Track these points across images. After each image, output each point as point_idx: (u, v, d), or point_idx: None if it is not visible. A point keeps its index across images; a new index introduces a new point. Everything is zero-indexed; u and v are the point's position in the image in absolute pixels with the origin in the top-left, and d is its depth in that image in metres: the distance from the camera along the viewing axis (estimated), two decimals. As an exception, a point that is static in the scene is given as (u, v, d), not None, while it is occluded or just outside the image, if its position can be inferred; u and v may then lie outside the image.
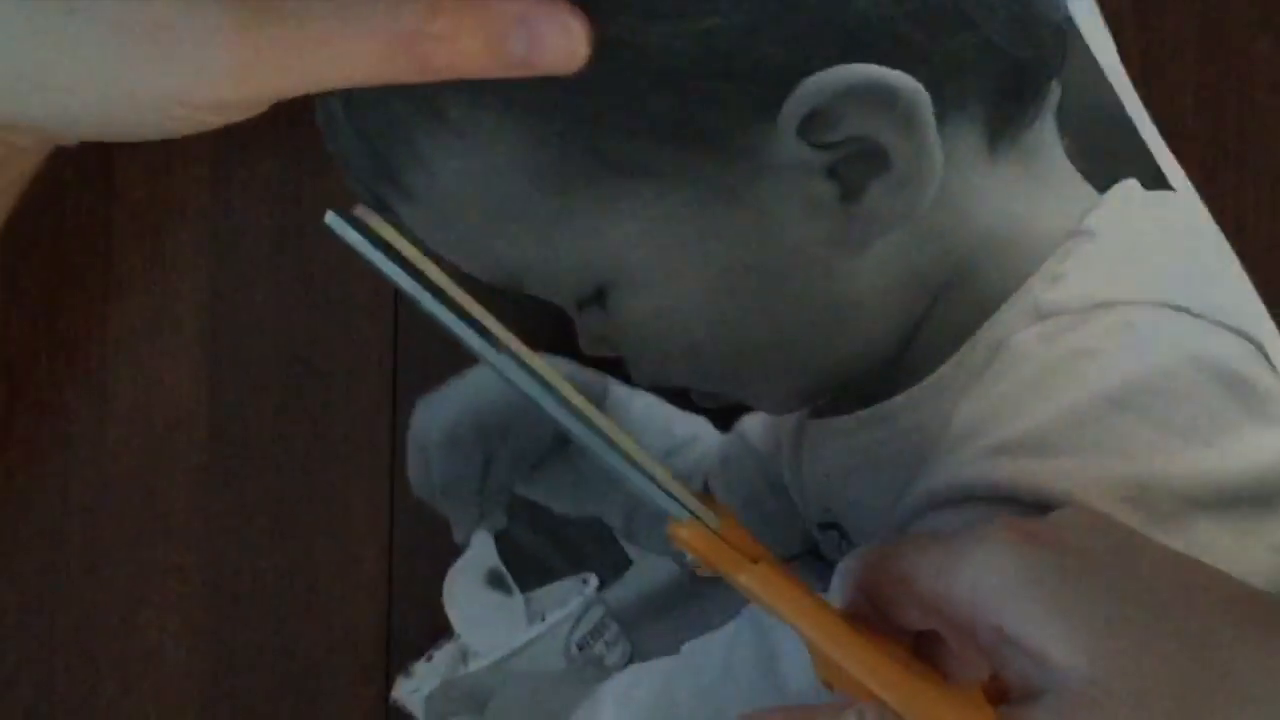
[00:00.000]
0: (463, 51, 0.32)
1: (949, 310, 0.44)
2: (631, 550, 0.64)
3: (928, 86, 0.39)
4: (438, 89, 0.39)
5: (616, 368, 0.48)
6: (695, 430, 0.64)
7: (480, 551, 0.62)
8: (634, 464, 0.37)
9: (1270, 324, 0.44)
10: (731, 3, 0.38)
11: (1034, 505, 0.38)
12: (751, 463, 0.60)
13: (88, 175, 0.68)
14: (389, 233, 0.37)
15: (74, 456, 0.68)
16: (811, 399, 0.48)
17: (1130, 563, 0.34)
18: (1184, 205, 0.48)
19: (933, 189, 0.40)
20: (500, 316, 0.36)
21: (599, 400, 0.61)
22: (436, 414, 0.61)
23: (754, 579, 0.36)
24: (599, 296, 0.43)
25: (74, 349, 0.68)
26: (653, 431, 0.63)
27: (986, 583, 0.33)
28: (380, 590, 0.69)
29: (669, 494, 0.37)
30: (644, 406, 0.63)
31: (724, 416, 0.61)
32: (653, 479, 0.37)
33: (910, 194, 0.40)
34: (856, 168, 0.40)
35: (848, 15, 0.39)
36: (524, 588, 0.63)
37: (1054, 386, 0.40)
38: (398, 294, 0.70)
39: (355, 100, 0.41)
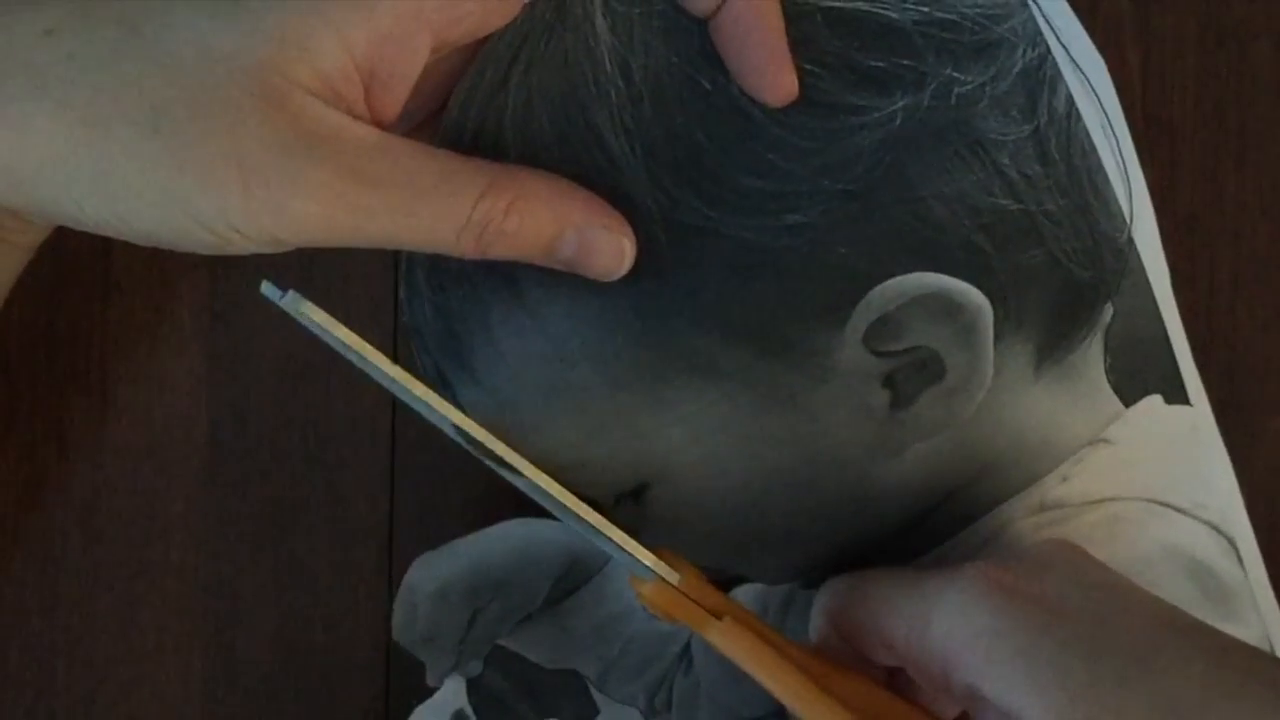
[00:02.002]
0: (520, 246, 0.34)
1: (961, 503, 0.45)
2: (599, 699, 0.65)
3: (990, 300, 0.40)
4: (520, 269, 0.40)
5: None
6: None
7: (449, 694, 0.64)
8: (591, 526, 0.37)
9: (1245, 520, 0.45)
10: (811, 201, 0.39)
11: None
12: None
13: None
14: (325, 319, 0.37)
15: (74, 456, 0.68)
16: (808, 574, 0.49)
17: (1106, 615, 0.34)
18: (1196, 419, 0.49)
19: (979, 400, 0.41)
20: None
21: (598, 569, 0.62)
22: (429, 571, 0.62)
23: (718, 633, 0.37)
24: (637, 492, 0.43)
25: (74, 349, 0.68)
26: None
27: (960, 636, 0.33)
28: (380, 590, 0.69)
29: (629, 554, 0.37)
30: None
31: (719, 587, 0.62)
32: (612, 540, 0.37)
33: (957, 404, 0.41)
34: (911, 377, 0.41)
35: (924, 224, 0.39)
36: None
37: None
38: (397, 295, 0.70)
39: (440, 277, 0.42)
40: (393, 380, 0.38)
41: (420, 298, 0.42)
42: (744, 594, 0.60)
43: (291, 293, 0.38)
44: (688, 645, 0.64)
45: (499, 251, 0.35)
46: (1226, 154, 0.65)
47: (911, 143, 0.39)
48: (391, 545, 0.69)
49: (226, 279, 0.68)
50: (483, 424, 0.38)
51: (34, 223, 0.38)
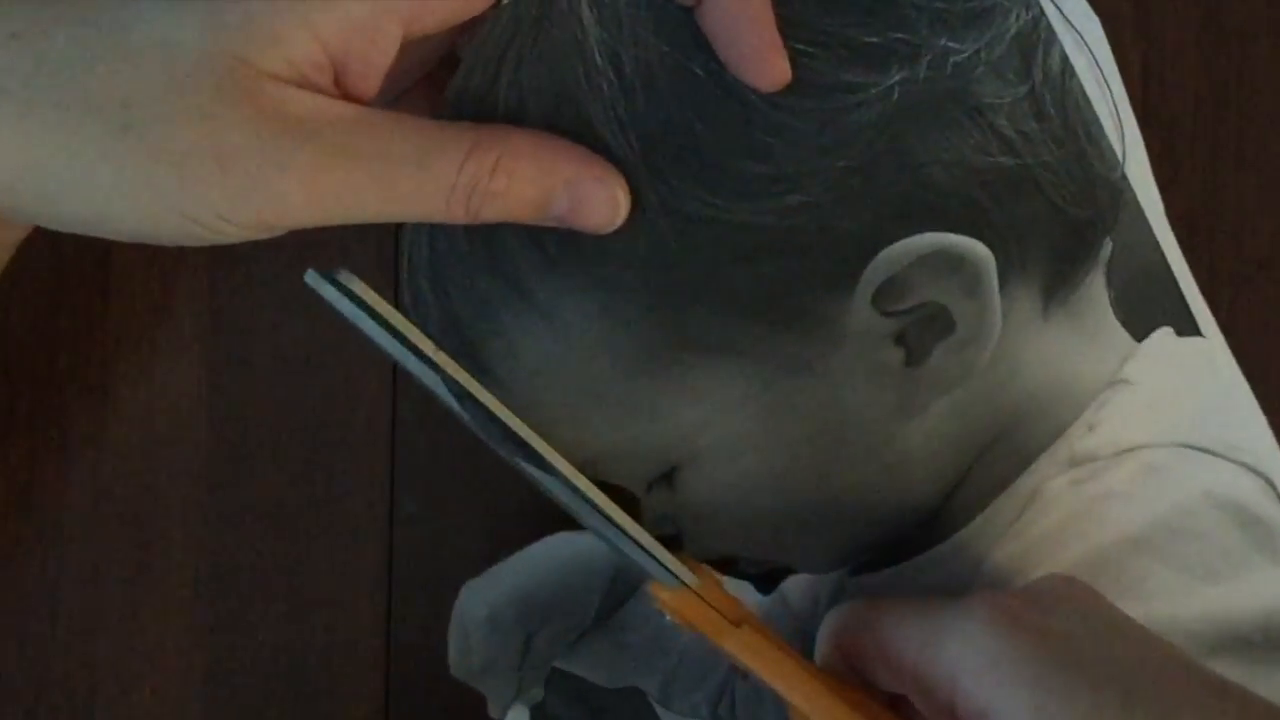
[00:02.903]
0: (510, 206, 0.33)
1: (992, 464, 0.45)
2: (664, 715, 0.65)
3: (992, 250, 0.40)
4: (525, 271, 0.40)
5: (665, 542, 0.49)
6: (739, 597, 0.65)
7: None
8: (617, 527, 0.37)
9: (1279, 457, 0.45)
10: (813, 180, 0.39)
11: None
12: (790, 624, 0.61)
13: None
14: (372, 297, 0.37)
15: (74, 456, 0.68)
16: (854, 557, 0.49)
17: (1111, 650, 0.34)
18: (1211, 351, 0.50)
19: (991, 348, 0.41)
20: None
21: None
22: (479, 597, 0.62)
23: (735, 642, 0.37)
24: (668, 476, 0.43)
25: (74, 349, 0.68)
26: None
27: (968, 664, 0.33)
28: (380, 590, 0.69)
29: (652, 556, 0.37)
30: None
31: (766, 581, 0.62)
32: (635, 541, 0.37)
33: (971, 354, 0.41)
34: (922, 333, 0.41)
35: (925, 189, 0.40)
36: None
37: (1080, 531, 0.41)
38: (398, 295, 0.70)
39: (443, 282, 0.42)
40: (439, 370, 0.37)
41: (426, 306, 0.42)
42: (794, 586, 0.59)
43: (344, 272, 0.38)
44: None
45: (491, 214, 0.34)
46: (1226, 154, 0.65)
47: (910, 115, 0.39)
48: (391, 545, 0.69)
49: (226, 279, 0.68)
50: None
51: (14, 221, 0.38)
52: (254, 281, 0.68)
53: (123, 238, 0.36)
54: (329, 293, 0.37)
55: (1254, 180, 0.66)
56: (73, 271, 0.68)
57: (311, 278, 0.37)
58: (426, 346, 0.38)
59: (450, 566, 0.69)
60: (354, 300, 0.37)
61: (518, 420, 0.38)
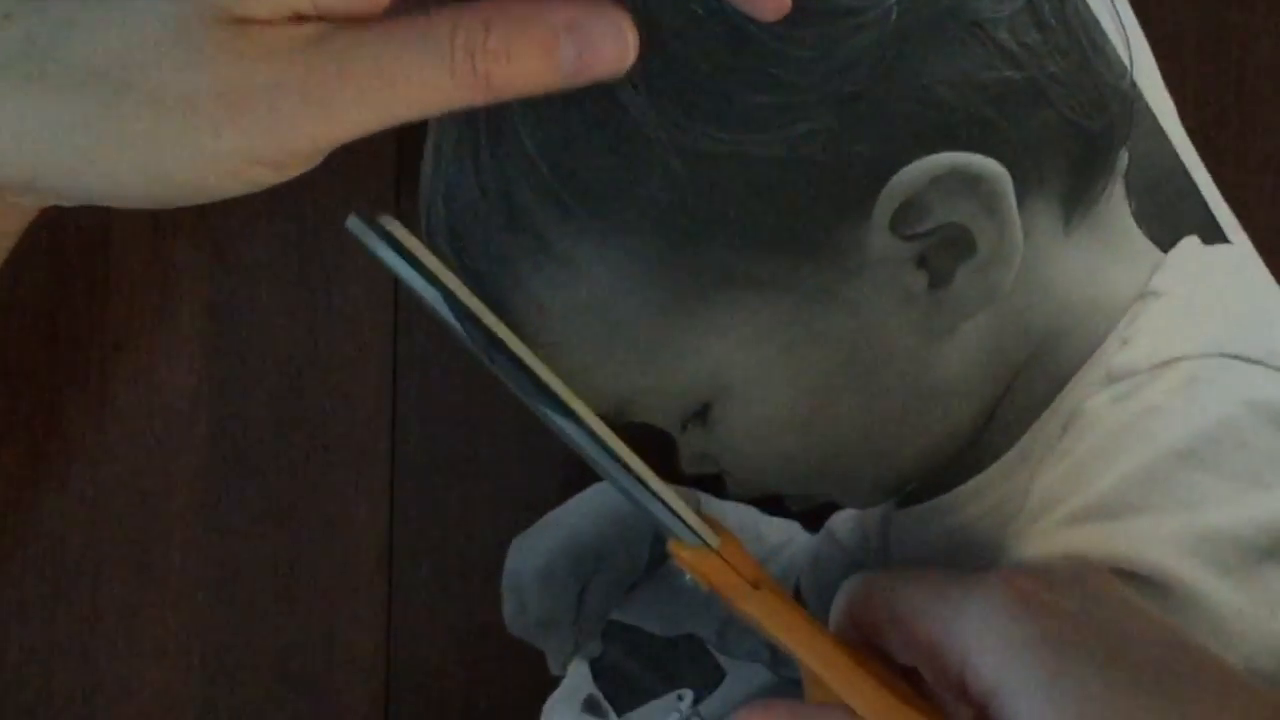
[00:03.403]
0: (520, 67, 0.33)
1: (1028, 385, 0.44)
2: (725, 662, 0.65)
3: (1007, 167, 0.40)
4: (543, 223, 0.40)
5: (709, 484, 0.48)
6: (787, 534, 0.65)
7: (577, 680, 0.63)
8: (641, 482, 0.37)
9: None
10: (822, 107, 0.39)
11: (1117, 571, 0.38)
12: (841, 560, 0.61)
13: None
14: (413, 242, 0.37)
15: (74, 456, 0.68)
16: (899, 489, 0.48)
17: (1125, 634, 0.34)
18: (1240, 257, 0.49)
19: (1016, 267, 0.41)
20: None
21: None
22: (530, 554, 0.62)
23: (754, 604, 0.37)
24: (701, 414, 0.43)
25: (74, 349, 0.68)
26: (747, 540, 0.64)
27: (981, 641, 0.33)
28: (380, 591, 0.69)
29: (675, 515, 0.37)
30: (736, 518, 0.63)
31: (814, 518, 0.62)
32: (659, 498, 0.37)
33: (995, 274, 0.41)
34: (944, 255, 0.41)
35: (933, 109, 0.39)
36: (620, 710, 0.64)
37: (1124, 448, 0.41)
38: (397, 295, 0.71)
39: (462, 240, 0.41)
40: (474, 320, 0.37)
41: (447, 263, 0.42)
42: (841, 522, 0.60)
43: (387, 216, 0.38)
44: (797, 588, 0.63)
45: (502, 81, 0.33)
46: (1226, 154, 0.65)
47: (910, 35, 0.39)
48: (391, 545, 0.69)
49: (226, 279, 0.68)
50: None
51: (30, 201, 0.38)
52: (254, 281, 0.68)
53: (141, 203, 0.36)
54: (371, 239, 0.37)
55: (1254, 180, 0.66)
56: (73, 272, 0.68)
57: (354, 224, 0.37)
58: (464, 294, 0.38)
59: (450, 566, 0.70)
60: (394, 246, 0.37)
61: (548, 371, 0.38)
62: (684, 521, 0.37)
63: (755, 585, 0.37)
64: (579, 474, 0.69)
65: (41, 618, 0.68)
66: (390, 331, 0.69)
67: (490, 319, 0.38)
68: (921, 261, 0.41)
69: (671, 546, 0.38)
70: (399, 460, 0.69)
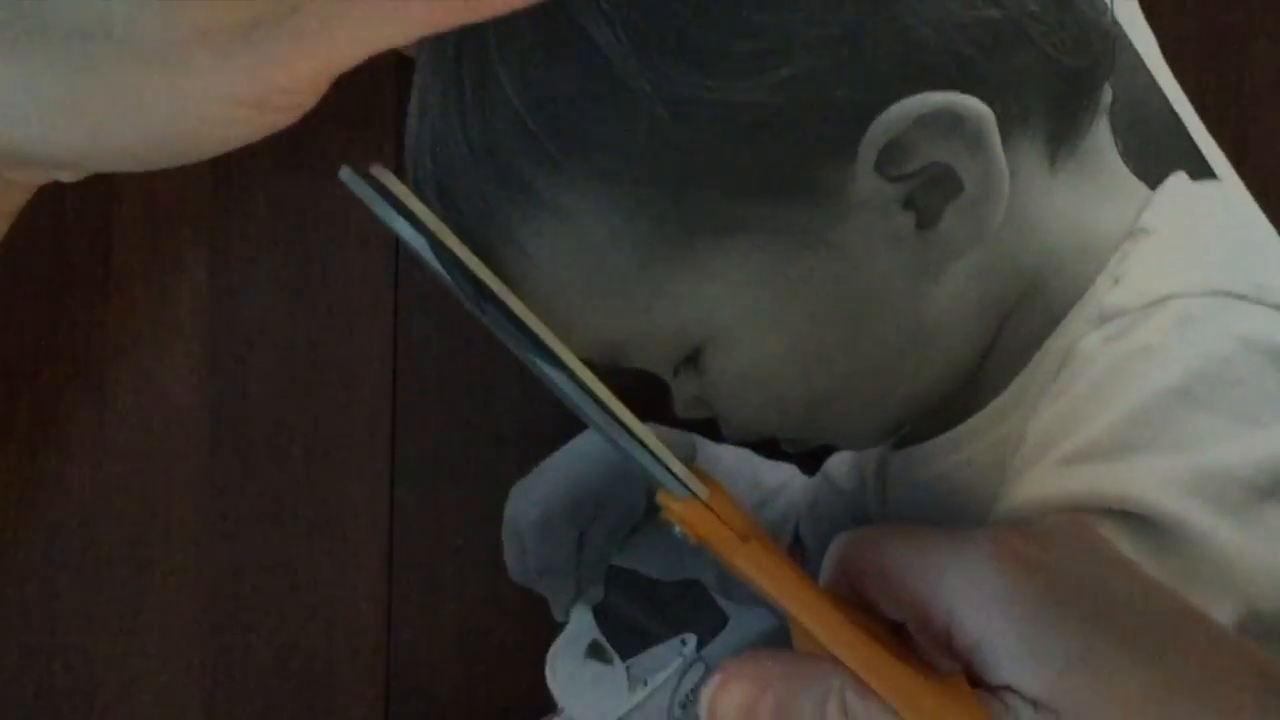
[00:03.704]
0: None
1: (1020, 326, 0.44)
2: (727, 606, 0.65)
3: (990, 106, 0.40)
4: (530, 174, 0.40)
5: (704, 428, 0.48)
6: (783, 478, 0.65)
7: (580, 626, 0.63)
8: (629, 432, 0.37)
9: None
10: (804, 51, 0.39)
11: (1115, 512, 0.38)
12: (839, 503, 0.61)
13: (88, 176, 0.68)
14: (403, 191, 0.37)
15: (74, 456, 0.68)
16: (894, 431, 0.48)
17: (1110, 592, 0.34)
18: (1229, 193, 0.49)
19: (1003, 206, 0.41)
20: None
21: (688, 460, 0.62)
22: (529, 499, 0.62)
23: (743, 557, 0.37)
24: (693, 359, 0.44)
25: (74, 349, 0.68)
26: (743, 485, 0.64)
27: (966, 597, 0.33)
28: (380, 590, 0.69)
29: (663, 465, 0.37)
30: (734, 460, 0.64)
31: (811, 461, 0.62)
32: (647, 448, 0.37)
33: (982, 213, 0.41)
34: (931, 195, 0.41)
35: (912, 47, 0.39)
36: (624, 655, 0.64)
37: (1119, 387, 0.40)
38: (397, 295, 0.71)
39: (450, 194, 0.41)
40: (465, 270, 0.37)
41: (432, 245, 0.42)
42: (838, 465, 0.61)
43: (378, 166, 0.37)
44: (796, 535, 0.64)
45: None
46: (1226, 154, 0.65)
47: None
48: (391, 545, 0.69)
49: (226, 279, 0.68)
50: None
51: (15, 180, 0.37)
52: (254, 282, 0.69)
53: (136, 162, 0.35)
54: (363, 190, 0.37)
55: (1254, 180, 0.66)
56: (73, 272, 0.68)
57: (346, 175, 0.37)
58: (454, 243, 0.38)
59: (450, 566, 0.70)
60: (386, 197, 0.37)
61: (536, 319, 0.38)
62: (671, 472, 0.37)
63: (745, 538, 0.37)
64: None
65: (41, 618, 0.68)
66: (390, 331, 0.69)
67: (479, 267, 0.38)
68: (908, 203, 0.41)
69: (660, 498, 0.38)
70: (399, 460, 0.69)
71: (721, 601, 0.65)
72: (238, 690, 0.69)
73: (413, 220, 0.37)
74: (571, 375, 0.37)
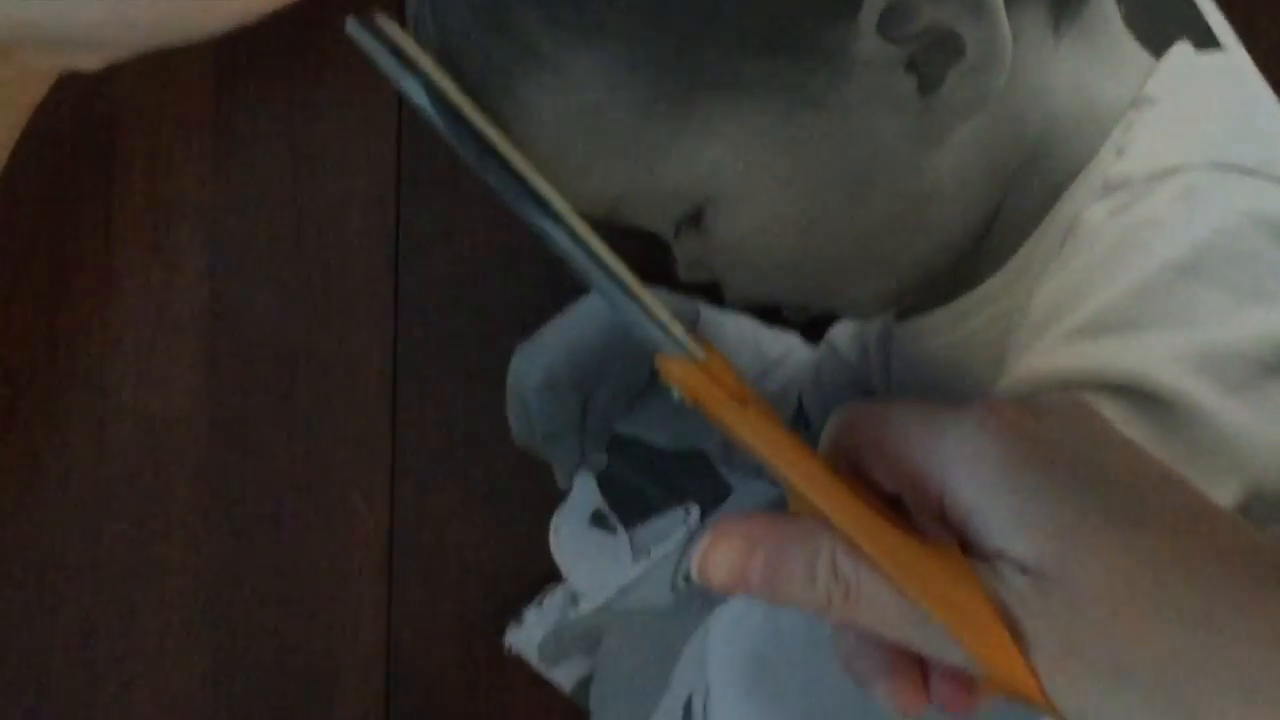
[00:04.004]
0: None
1: (1023, 195, 0.44)
2: (730, 477, 0.65)
3: None
4: (532, 31, 0.40)
5: (708, 294, 0.49)
6: (787, 347, 0.65)
7: (583, 494, 0.63)
8: (631, 295, 0.37)
9: None
10: None
11: (1119, 388, 0.38)
12: (844, 374, 0.61)
13: (87, 175, 0.68)
14: (408, 44, 0.37)
15: (74, 456, 0.68)
16: (898, 300, 0.49)
17: (1103, 465, 0.34)
18: (1234, 63, 0.48)
19: (1005, 70, 0.41)
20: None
21: (690, 326, 0.62)
22: (533, 362, 0.62)
23: (739, 419, 0.36)
24: (695, 219, 0.44)
25: (74, 349, 0.68)
26: (746, 352, 0.64)
27: (961, 465, 0.34)
28: (380, 590, 0.69)
29: (663, 327, 0.37)
30: (736, 328, 0.64)
31: (814, 331, 0.62)
32: (648, 310, 0.37)
33: (985, 78, 0.41)
34: (933, 58, 0.41)
35: None
36: (627, 525, 0.63)
37: (1123, 261, 0.40)
38: (397, 296, 0.71)
39: (452, 53, 0.41)
40: (466, 124, 0.37)
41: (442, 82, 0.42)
42: (841, 334, 0.61)
43: (383, 16, 0.37)
44: (800, 406, 0.64)
45: None
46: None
47: None
48: (391, 545, 0.69)
49: (227, 279, 0.68)
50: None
51: (31, 66, 0.37)
52: (254, 282, 0.68)
53: (146, 36, 0.35)
54: (368, 43, 0.37)
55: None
56: (73, 271, 0.68)
57: (352, 26, 0.37)
58: (455, 96, 0.38)
59: (450, 566, 0.70)
60: (390, 49, 0.37)
61: (536, 174, 0.38)
62: (670, 333, 0.37)
63: (742, 402, 0.37)
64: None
65: (41, 618, 0.68)
66: (390, 331, 0.69)
67: (481, 121, 0.38)
68: (911, 65, 0.41)
69: (658, 360, 0.38)
70: (399, 460, 0.69)
71: (725, 472, 0.65)
72: (238, 690, 0.69)
73: (417, 74, 0.37)
74: (572, 233, 0.37)
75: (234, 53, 0.68)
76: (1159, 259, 0.40)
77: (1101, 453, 0.34)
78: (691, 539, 0.62)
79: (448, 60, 0.41)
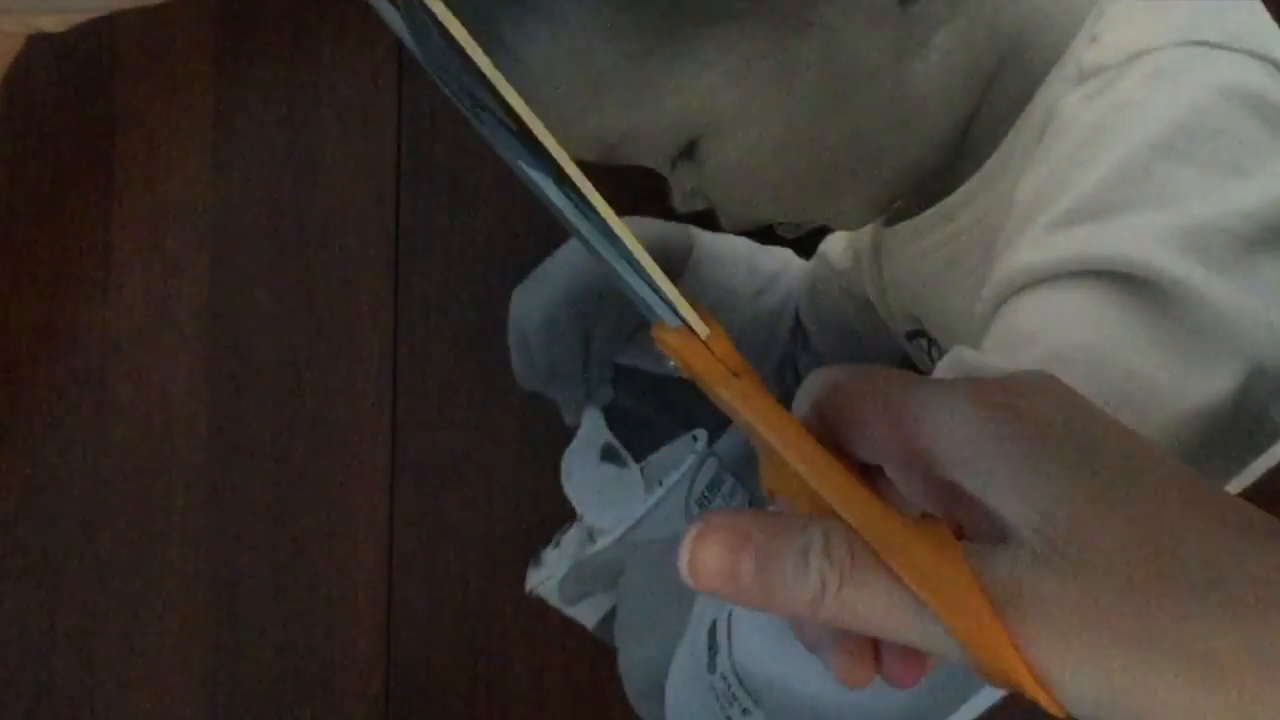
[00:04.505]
0: None
1: (1002, 90, 0.45)
2: None
3: None
4: None
5: (701, 220, 0.49)
6: (781, 262, 0.65)
7: (591, 429, 0.63)
8: (631, 262, 0.37)
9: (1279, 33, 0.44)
10: None
11: (1105, 274, 0.38)
12: (837, 284, 0.62)
13: (87, 175, 0.68)
14: None
15: (73, 456, 0.68)
16: (886, 207, 0.49)
17: (1091, 439, 0.34)
18: None
19: None
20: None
21: (685, 253, 0.63)
22: (532, 301, 0.62)
23: (730, 390, 0.36)
24: (689, 152, 0.44)
25: (73, 349, 0.68)
26: (740, 273, 0.65)
27: (948, 437, 0.33)
28: (380, 590, 0.69)
29: (661, 295, 0.37)
30: (730, 248, 0.64)
31: (806, 244, 0.62)
32: (648, 280, 0.37)
33: None
34: None
35: None
36: (637, 457, 0.63)
37: (1100, 145, 0.41)
38: (398, 296, 0.70)
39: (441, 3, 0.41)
40: (459, 66, 0.37)
41: (428, 30, 0.42)
42: (833, 246, 0.61)
43: None
44: (796, 320, 0.64)
45: None
46: None
47: None
48: (391, 545, 0.69)
49: (227, 279, 0.68)
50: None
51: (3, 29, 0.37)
52: (254, 281, 0.68)
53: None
54: None
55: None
56: (73, 271, 0.68)
57: None
58: (450, 22, 0.37)
59: (450, 566, 0.69)
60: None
61: (544, 129, 0.37)
62: (666, 299, 0.37)
63: (735, 374, 0.37)
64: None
65: (41, 618, 0.68)
66: (390, 331, 0.69)
67: (488, 68, 0.37)
68: None
69: (654, 329, 0.37)
70: (399, 460, 0.69)
71: None
72: (238, 690, 0.69)
73: (406, 10, 0.37)
74: (577, 195, 0.36)
75: (234, 52, 0.68)
76: (1134, 141, 0.40)
77: (1086, 428, 0.34)
78: (702, 464, 0.62)
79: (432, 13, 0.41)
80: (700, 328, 0.36)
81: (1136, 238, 0.38)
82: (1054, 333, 0.39)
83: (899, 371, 0.36)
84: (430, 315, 0.69)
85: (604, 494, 0.63)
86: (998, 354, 0.40)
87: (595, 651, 0.70)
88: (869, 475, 0.36)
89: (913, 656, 0.34)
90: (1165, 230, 0.38)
